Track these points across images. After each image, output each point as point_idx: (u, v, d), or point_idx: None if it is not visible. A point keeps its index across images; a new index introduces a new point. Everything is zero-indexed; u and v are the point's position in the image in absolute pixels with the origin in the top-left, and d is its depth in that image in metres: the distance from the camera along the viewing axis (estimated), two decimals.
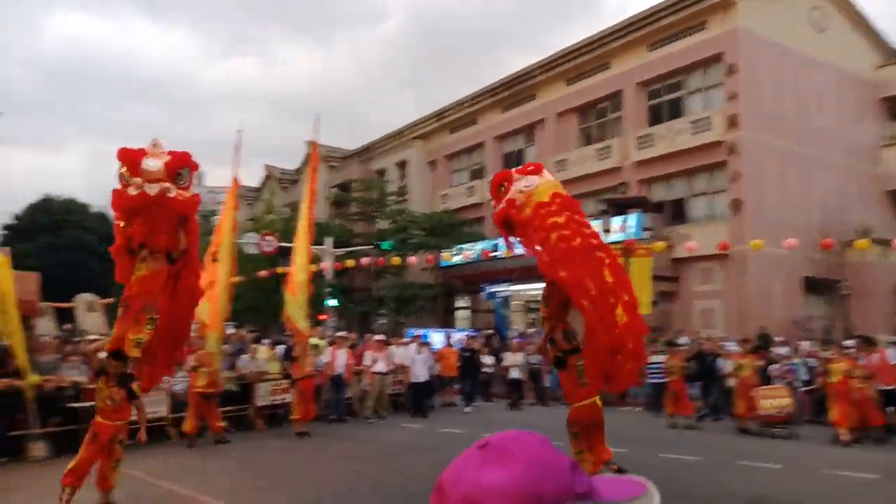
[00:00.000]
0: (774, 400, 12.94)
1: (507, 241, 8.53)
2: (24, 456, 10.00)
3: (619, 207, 21.09)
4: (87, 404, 10.78)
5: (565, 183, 27.71)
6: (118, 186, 6.82)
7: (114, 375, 7.15)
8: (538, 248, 7.59)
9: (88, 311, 20.26)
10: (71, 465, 7.16)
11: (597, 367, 7.40)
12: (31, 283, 11.58)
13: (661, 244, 20.49)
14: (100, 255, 47.13)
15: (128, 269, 7.09)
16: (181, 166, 6.95)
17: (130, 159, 6.76)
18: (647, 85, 26.41)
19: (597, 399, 7.91)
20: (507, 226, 8.11)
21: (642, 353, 7.62)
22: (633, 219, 21.43)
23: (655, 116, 26.06)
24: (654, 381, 15.52)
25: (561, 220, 7.50)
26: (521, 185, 7.89)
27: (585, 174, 27.41)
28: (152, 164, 6.71)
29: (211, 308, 11.63)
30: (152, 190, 6.70)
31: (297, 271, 13.33)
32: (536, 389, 18.43)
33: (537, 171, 8.17)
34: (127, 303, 6.98)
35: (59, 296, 21.71)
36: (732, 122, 22.83)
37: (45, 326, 19.57)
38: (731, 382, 15.13)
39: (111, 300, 25.25)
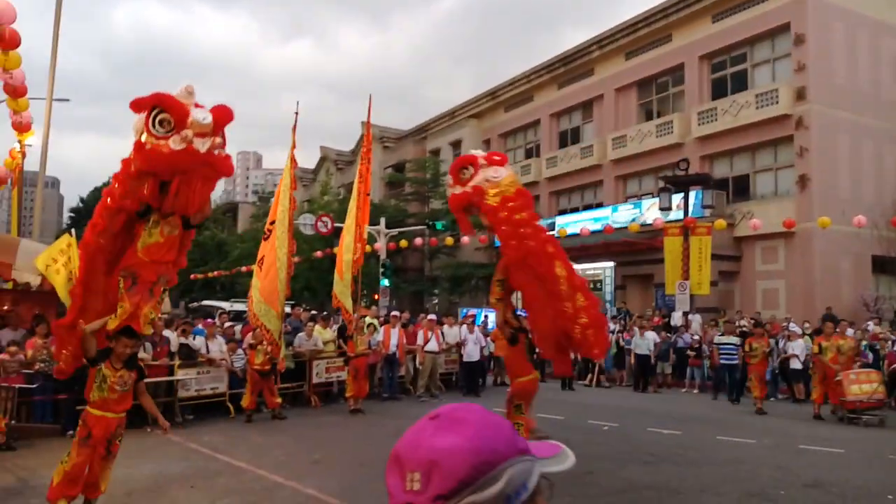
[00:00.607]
0: (865, 385, 12.09)
1: (463, 223, 8.92)
2: None
3: (680, 184, 20.52)
4: (150, 380, 11.14)
5: (625, 159, 27.63)
6: (146, 137, 5.37)
7: (121, 357, 5.99)
8: (512, 242, 8.18)
9: None
10: (57, 476, 5.97)
11: (551, 344, 8.53)
12: None
13: (722, 222, 19.94)
14: None
15: (120, 234, 5.92)
16: (229, 121, 5.69)
17: (178, 107, 5.32)
18: (711, 57, 25.60)
19: (537, 374, 9.27)
20: (467, 210, 8.59)
21: (602, 320, 9.04)
22: (693, 196, 20.88)
23: (718, 90, 25.26)
24: (726, 362, 15.18)
25: (524, 216, 8.27)
26: (490, 174, 8.29)
27: (645, 150, 26.87)
28: (202, 116, 5.36)
29: (267, 286, 11.79)
30: (203, 146, 5.37)
31: (344, 252, 13.42)
32: (589, 370, 18.22)
33: (503, 162, 8.69)
34: (135, 273, 5.71)
35: None
36: (800, 95, 21.95)
37: None
38: (797, 365, 14.72)
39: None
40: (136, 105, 5.44)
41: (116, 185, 5.81)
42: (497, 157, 8.65)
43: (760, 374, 13.54)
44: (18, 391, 10.07)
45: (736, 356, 14.94)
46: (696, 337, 17.57)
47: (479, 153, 8.94)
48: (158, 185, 5.52)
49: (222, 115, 5.58)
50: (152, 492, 7.14)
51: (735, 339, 15.20)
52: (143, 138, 5.35)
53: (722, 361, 15.32)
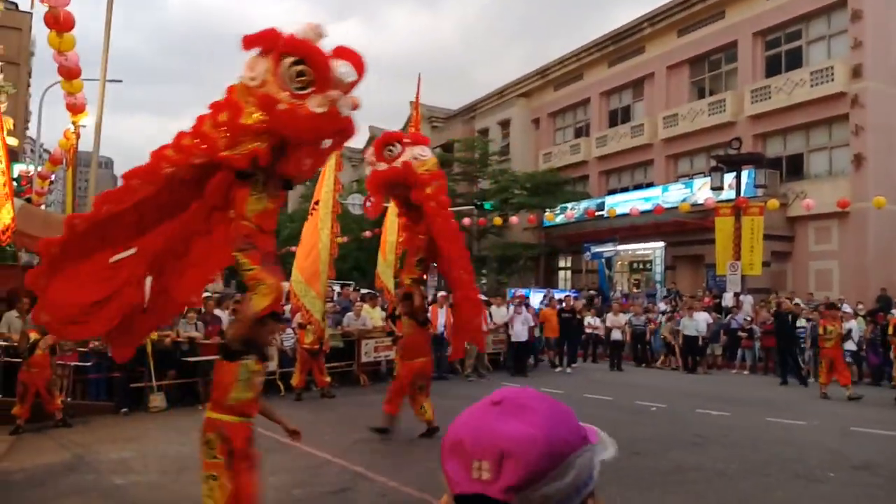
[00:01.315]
0: None
1: (378, 202, 9.45)
2: (145, 406, 10.72)
3: (732, 164, 20.09)
4: (202, 359, 11.47)
5: (676, 138, 27.14)
6: (279, 92, 4.38)
7: (267, 345, 5.27)
8: (443, 213, 8.70)
9: None
10: None
11: (466, 326, 8.95)
12: None
13: (775, 202, 19.47)
14: None
15: (180, 188, 4.72)
16: (365, 75, 4.76)
17: (321, 61, 4.43)
18: (765, 34, 24.86)
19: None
20: (390, 187, 8.80)
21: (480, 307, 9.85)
22: (746, 175, 20.41)
23: (772, 67, 24.57)
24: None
25: (445, 199, 8.73)
26: (417, 152, 8.50)
27: (697, 129, 26.36)
28: (345, 71, 4.50)
29: (308, 266, 11.89)
30: (346, 109, 4.60)
31: (388, 232, 13.50)
32: (638, 350, 18.07)
33: (427, 142, 9.10)
34: (254, 245, 4.62)
35: None
36: (856, 73, 21.25)
37: None
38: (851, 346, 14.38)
39: None
40: (255, 42, 4.48)
41: (208, 132, 4.54)
42: (420, 138, 9.07)
43: (833, 357, 12.73)
44: (74, 369, 10.45)
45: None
46: (749, 318, 17.25)
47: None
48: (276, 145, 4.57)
49: (360, 70, 4.67)
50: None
51: (802, 322, 14.97)
52: (272, 91, 4.37)
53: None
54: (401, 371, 9.31)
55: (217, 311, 12.72)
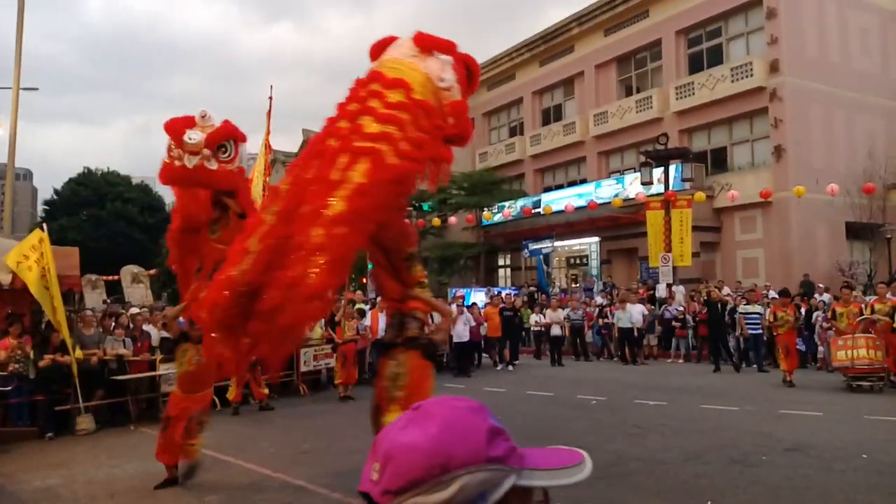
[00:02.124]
0: (851, 350, 11.76)
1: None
2: (71, 429, 10.22)
3: (660, 159, 20.61)
4: (131, 377, 11.04)
5: (607, 135, 27.69)
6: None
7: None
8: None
9: (133, 283, 20.67)
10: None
11: None
12: (72, 258, 11.72)
13: (701, 194, 20.08)
14: (143, 227, 47.81)
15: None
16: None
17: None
18: (687, 32, 25.63)
19: None
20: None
21: None
22: (673, 170, 20.96)
23: (695, 64, 25.34)
24: (753, 332, 15.07)
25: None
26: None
27: (626, 126, 26.96)
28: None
29: None
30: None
31: None
32: (577, 345, 18.30)
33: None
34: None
35: (105, 268, 22.16)
36: (774, 68, 22.10)
37: (95, 300, 20.09)
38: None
39: (154, 272, 25.79)
40: (436, 45, 4.93)
41: None
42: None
43: (788, 343, 12.96)
44: None
45: (760, 326, 14.90)
46: (681, 308, 17.68)
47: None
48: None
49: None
50: (137, 491, 7.03)
51: (759, 308, 15.19)
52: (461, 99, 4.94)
53: (750, 332, 15.14)
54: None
55: (146, 327, 12.27)
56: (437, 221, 25.68)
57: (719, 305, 15.60)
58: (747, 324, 15.11)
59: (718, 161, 24.69)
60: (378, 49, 5.08)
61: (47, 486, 7.30)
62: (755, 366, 15.16)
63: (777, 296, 14.73)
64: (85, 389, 10.34)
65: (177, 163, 6.19)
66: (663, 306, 18.21)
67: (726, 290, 18.14)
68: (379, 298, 16.42)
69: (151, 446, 9.27)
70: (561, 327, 17.65)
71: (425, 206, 27.51)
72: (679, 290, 19.27)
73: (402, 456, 0.84)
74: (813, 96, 22.46)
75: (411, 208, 28.18)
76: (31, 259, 9.84)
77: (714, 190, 23.26)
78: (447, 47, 4.82)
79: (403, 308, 5.83)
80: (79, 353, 10.29)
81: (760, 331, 14.99)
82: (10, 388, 9.98)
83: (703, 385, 13.14)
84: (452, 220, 25.44)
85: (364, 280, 24.64)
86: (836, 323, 12.42)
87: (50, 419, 10.14)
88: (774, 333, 13.55)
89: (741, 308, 15.61)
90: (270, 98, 13.14)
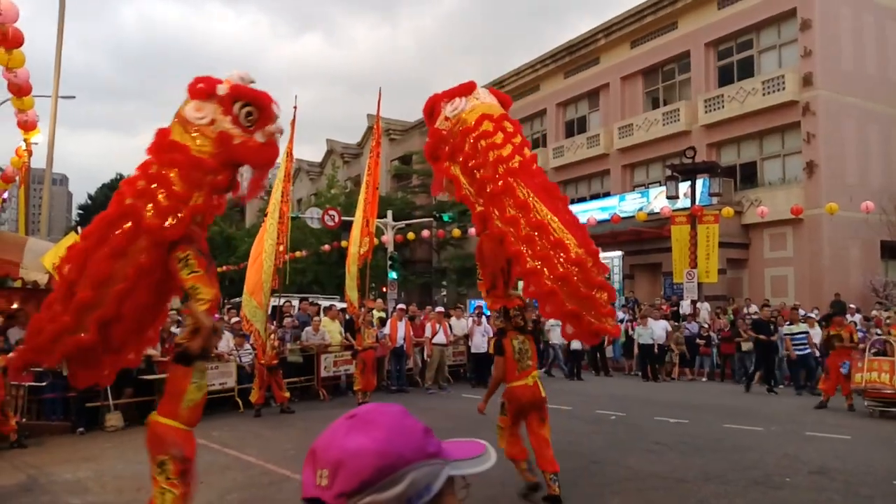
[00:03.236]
0: (872, 373, 11.49)
1: (437, 181, 6.94)
2: (101, 425, 10.48)
3: (687, 173, 20.47)
4: (160, 376, 11.22)
5: (632, 148, 27.49)
6: (231, 129, 5.12)
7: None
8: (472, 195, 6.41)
9: None
10: None
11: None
12: None
13: (729, 210, 19.89)
14: None
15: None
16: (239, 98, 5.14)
17: (266, 101, 5.23)
18: (717, 45, 25.44)
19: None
20: (437, 159, 6.83)
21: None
22: (701, 184, 20.81)
23: (725, 77, 25.14)
24: (800, 353, 14.64)
25: (486, 144, 6.29)
26: (448, 110, 6.65)
27: (652, 139, 26.80)
28: (278, 108, 5.38)
29: (252, 276, 11.87)
30: (279, 137, 5.41)
31: (351, 244, 13.48)
32: (597, 360, 18.19)
33: (467, 90, 6.75)
34: (201, 250, 5.16)
35: None
36: (807, 81, 21.81)
37: None
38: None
39: None
40: (201, 90, 5.06)
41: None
42: (457, 89, 6.81)
43: (832, 365, 12.60)
44: (29, 389, 10.17)
45: (807, 345, 14.55)
46: (706, 325, 17.54)
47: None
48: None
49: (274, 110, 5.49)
50: None
51: (804, 328, 14.77)
52: (226, 128, 4.99)
53: (797, 353, 14.66)
54: None
55: (173, 328, 12.46)
56: (457, 232, 25.72)
57: (771, 326, 15.14)
58: (794, 344, 14.65)
59: (748, 176, 24.44)
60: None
61: (77, 479, 7.53)
62: (792, 386, 14.84)
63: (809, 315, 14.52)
64: (114, 387, 10.59)
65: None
66: (682, 322, 18.07)
67: (754, 307, 17.92)
68: (398, 307, 16.59)
69: None
70: (581, 341, 17.55)
71: (445, 217, 27.54)
72: (704, 307, 19.11)
73: (353, 460, 0.91)
74: (847, 110, 22.13)
75: (432, 219, 28.31)
76: None
77: (743, 205, 23.03)
78: (210, 87, 5.06)
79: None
80: None
81: (808, 350, 14.58)
82: (44, 383, 10.28)
83: (727, 404, 13.01)
84: (473, 231, 25.46)
85: (384, 289, 24.79)
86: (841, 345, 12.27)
87: (81, 415, 10.42)
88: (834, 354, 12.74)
89: (785, 329, 15.16)
90: (295, 108, 13.31)
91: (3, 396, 9.14)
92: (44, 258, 10.38)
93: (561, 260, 5.70)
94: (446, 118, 6.49)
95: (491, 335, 16.10)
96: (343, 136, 51.11)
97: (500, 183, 6.04)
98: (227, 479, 7.54)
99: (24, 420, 9.81)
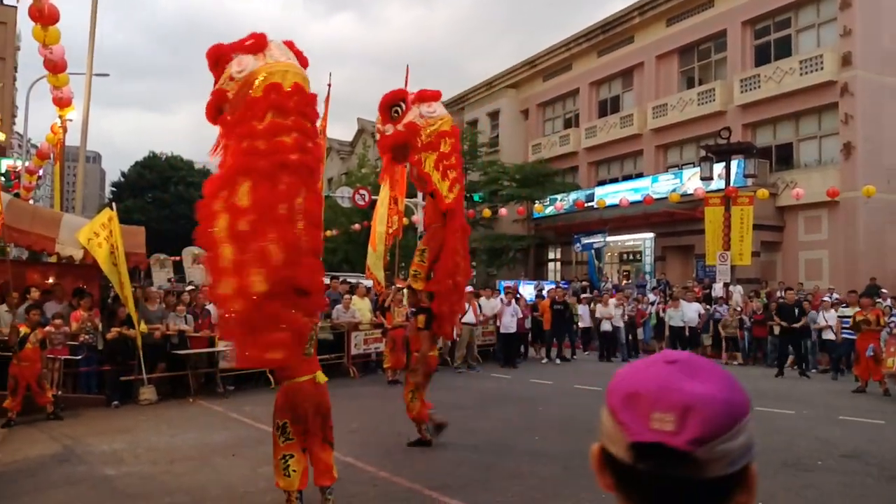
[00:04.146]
0: None
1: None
2: (135, 399, 10.70)
3: (722, 153, 20.12)
4: (191, 352, 11.42)
5: (666, 128, 27.08)
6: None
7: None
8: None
9: (194, 263, 21.25)
10: None
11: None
12: (138, 237, 12.18)
13: (765, 191, 19.53)
14: None
15: None
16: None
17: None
18: (754, 23, 24.89)
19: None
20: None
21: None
22: (735, 165, 20.45)
23: (762, 56, 24.61)
24: (848, 336, 14.15)
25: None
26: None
27: (686, 119, 26.43)
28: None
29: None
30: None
31: (378, 223, 13.51)
32: (629, 342, 18.06)
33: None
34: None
35: (167, 249, 22.84)
36: (846, 61, 21.30)
37: (162, 278, 20.76)
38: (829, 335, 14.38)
39: None
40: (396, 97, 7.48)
41: None
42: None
43: (861, 348, 12.31)
44: (65, 362, 10.39)
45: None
46: (738, 308, 17.28)
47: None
48: None
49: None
50: (195, 460, 7.34)
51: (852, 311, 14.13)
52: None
53: (843, 336, 14.26)
54: None
55: (206, 305, 12.64)
56: (487, 212, 25.63)
57: (796, 310, 14.84)
58: (843, 327, 14.28)
59: (783, 157, 23.98)
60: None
61: (113, 450, 7.70)
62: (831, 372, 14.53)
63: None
64: (148, 362, 10.80)
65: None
66: (713, 305, 17.83)
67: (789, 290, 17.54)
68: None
69: (209, 418, 9.68)
70: (612, 323, 17.43)
71: (476, 197, 27.50)
72: (737, 290, 18.85)
73: (704, 406, 0.86)
74: (886, 91, 21.58)
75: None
76: (101, 236, 10.28)
77: (778, 187, 22.63)
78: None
79: None
80: (143, 327, 10.71)
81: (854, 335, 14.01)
82: (80, 357, 10.51)
83: (759, 388, 12.83)
84: (503, 211, 25.35)
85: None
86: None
87: (116, 388, 10.64)
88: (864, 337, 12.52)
89: (839, 311, 14.74)
90: (329, 85, 13.30)
91: (41, 369, 9.36)
92: (79, 233, 10.55)
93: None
94: (231, 78, 5.59)
95: (520, 315, 16.11)
96: (374, 116, 51.05)
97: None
98: (259, 453, 7.63)
99: (60, 393, 10.03)
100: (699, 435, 0.85)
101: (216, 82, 5.61)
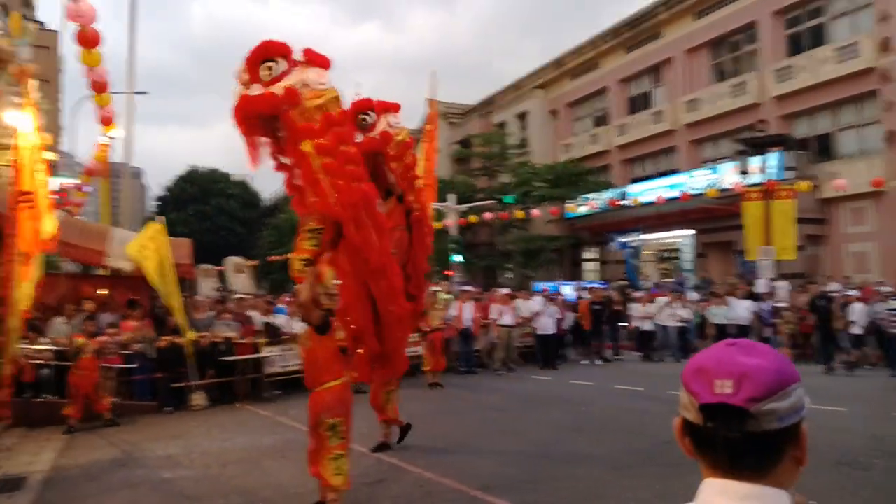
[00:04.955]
0: None
1: (252, 145, 6.07)
2: (187, 405, 11.00)
3: (758, 147, 19.81)
4: (238, 358, 11.69)
5: (699, 123, 26.75)
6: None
7: None
8: (340, 182, 5.95)
9: (236, 273, 21.66)
10: None
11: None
12: (185, 248, 12.55)
13: (805, 184, 19.22)
14: (243, 221, 50.43)
15: None
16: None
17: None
18: (785, 12, 24.51)
19: (350, 376, 6.74)
20: (265, 122, 5.88)
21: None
22: (773, 158, 20.14)
23: (795, 46, 24.19)
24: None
25: (350, 150, 6.36)
26: (311, 76, 5.90)
27: (720, 113, 26.09)
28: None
29: None
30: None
31: None
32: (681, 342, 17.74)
33: (327, 65, 6.13)
34: None
35: (209, 259, 23.33)
36: (884, 46, 20.80)
37: (208, 287, 21.22)
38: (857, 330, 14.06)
39: (257, 262, 26.99)
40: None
41: None
42: (316, 57, 5.96)
43: None
44: (119, 371, 10.73)
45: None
46: (783, 304, 16.89)
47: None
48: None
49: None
50: (246, 462, 7.53)
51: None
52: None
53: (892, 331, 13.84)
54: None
55: (249, 312, 12.94)
56: (520, 214, 25.64)
57: (824, 301, 14.61)
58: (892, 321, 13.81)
59: (823, 148, 23.49)
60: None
61: (168, 455, 7.96)
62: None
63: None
64: (198, 369, 11.10)
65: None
66: (759, 302, 17.48)
67: (835, 285, 17.17)
68: (463, 289, 16.70)
69: (258, 422, 9.90)
70: (652, 322, 17.21)
71: (508, 199, 27.51)
72: (782, 286, 18.48)
73: (756, 373, 1.08)
74: None
75: (494, 202, 28.28)
76: (150, 249, 10.61)
77: (819, 179, 22.21)
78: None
79: None
80: (192, 335, 11.00)
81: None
82: (134, 365, 10.85)
83: (809, 384, 12.50)
84: (536, 212, 25.35)
85: (448, 272, 24.98)
86: None
87: (168, 395, 10.97)
88: None
89: (890, 304, 14.17)
90: (357, 94, 13.48)
91: (98, 378, 9.71)
92: (128, 247, 10.89)
93: None
94: (306, 84, 5.58)
95: (558, 317, 16.08)
96: (405, 122, 51.46)
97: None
98: (304, 455, 7.79)
99: (116, 400, 10.34)
100: (753, 395, 1.06)
101: (253, 75, 5.54)
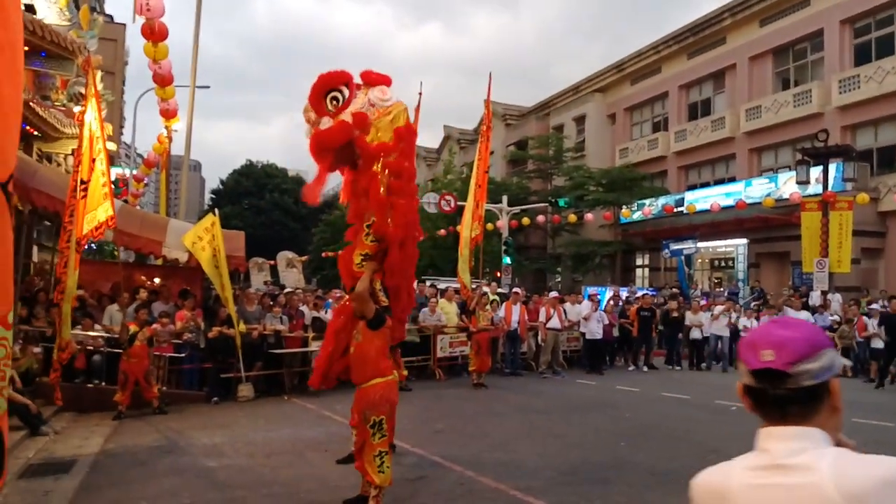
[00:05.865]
0: None
1: (322, 174, 5.79)
2: (234, 396, 11.25)
3: (819, 157, 19.31)
4: (286, 351, 11.92)
5: (760, 131, 26.24)
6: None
7: None
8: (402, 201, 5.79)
9: (288, 267, 22.04)
10: None
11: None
12: (238, 241, 12.83)
13: (865, 196, 18.64)
14: (296, 216, 51.16)
15: None
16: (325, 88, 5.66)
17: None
18: (853, 21, 23.81)
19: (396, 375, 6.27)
20: (340, 155, 5.77)
21: None
22: (834, 169, 19.59)
23: (862, 56, 23.49)
24: None
25: (411, 167, 6.01)
26: (376, 95, 5.71)
27: (781, 121, 25.53)
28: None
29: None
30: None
31: (464, 228, 13.71)
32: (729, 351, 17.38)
33: (388, 81, 5.88)
34: None
35: (262, 253, 23.80)
36: None
37: (259, 281, 21.69)
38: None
39: (307, 258, 27.47)
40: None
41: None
42: (375, 76, 5.84)
43: None
44: (169, 360, 11.04)
45: None
46: (836, 318, 16.49)
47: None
48: None
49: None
50: (290, 454, 7.69)
51: None
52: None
53: None
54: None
55: (300, 306, 13.18)
56: (573, 218, 25.45)
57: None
58: None
59: (886, 161, 22.79)
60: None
61: (214, 444, 8.16)
62: None
63: None
64: (246, 360, 11.34)
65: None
66: (814, 314, 17.04)
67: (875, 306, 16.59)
68: (513, 291, 16.69)
69: (303, 415, 10.10)
70: (701, 331, 16.93)
71: (561, 202, 27.34)
72: (835, 299, 18.01)
73: (791, 342, 1.34)
74: None
75: (547, 205, 28.15)
76: (205, 240, 10.91)
77: (880, 192, 21.52)
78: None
79: None
80: (242, 326, 11.26)
81: None
82: (183, 355, 11.15)
83: (857, 399, 12.31)
84: (589, 216, 25.14)
85: (498, 273, 24.98)
86: None
87: (216, 385, 11.22)
88: None
89: None
90: (420, 94, 13.62)
91: (148, 366, 10.00)
92: (184, 238, 11.20)
93: None
94: (372, 104, 5.59)
95: (606, 322, 15.95)
96: (461, 123, 51.58)
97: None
98: (349, 449, 7.93)
99: (164, 389, 10.62)
100: (790, 359, 1.33)
101: (319, 110, 5.62)
